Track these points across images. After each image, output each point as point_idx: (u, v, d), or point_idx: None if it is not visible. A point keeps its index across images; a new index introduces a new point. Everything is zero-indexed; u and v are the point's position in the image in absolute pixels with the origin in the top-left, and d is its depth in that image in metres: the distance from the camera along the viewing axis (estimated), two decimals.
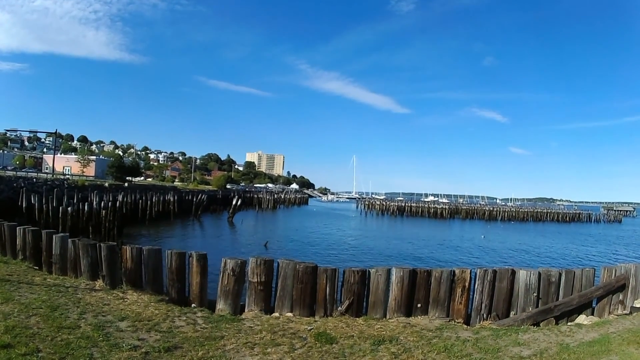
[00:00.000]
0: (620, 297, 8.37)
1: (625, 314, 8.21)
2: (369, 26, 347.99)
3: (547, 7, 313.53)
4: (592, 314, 8.05)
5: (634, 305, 8.47)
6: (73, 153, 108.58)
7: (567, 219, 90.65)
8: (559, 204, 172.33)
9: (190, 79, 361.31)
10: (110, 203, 29.35)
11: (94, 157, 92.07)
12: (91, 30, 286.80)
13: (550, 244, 41.80)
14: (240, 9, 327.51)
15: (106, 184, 48.83)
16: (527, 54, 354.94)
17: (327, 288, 6.86)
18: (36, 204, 25.98)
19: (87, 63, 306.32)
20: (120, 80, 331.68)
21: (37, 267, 8.71)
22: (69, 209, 26.22)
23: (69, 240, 8.11)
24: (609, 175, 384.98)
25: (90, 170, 74.07)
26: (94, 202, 28.55)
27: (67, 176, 57.65)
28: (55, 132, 76.19)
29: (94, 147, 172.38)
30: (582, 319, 7.79)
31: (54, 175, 54.64)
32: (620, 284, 8.24)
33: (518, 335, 6.39)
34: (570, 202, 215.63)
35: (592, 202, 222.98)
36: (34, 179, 42.40)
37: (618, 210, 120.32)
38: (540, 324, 7.31)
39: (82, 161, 73.81)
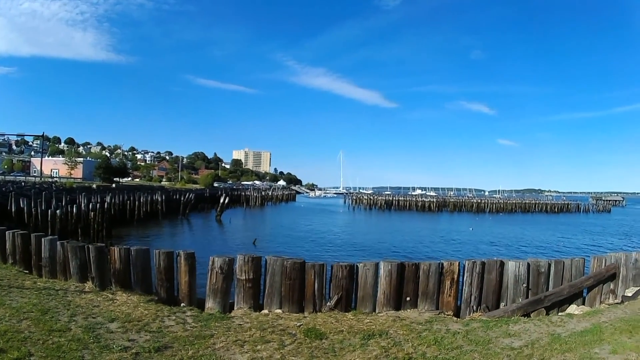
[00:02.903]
0: (611, 287, 8.41)
1: (617, 303, 8.25)
2: (356, 22, 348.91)
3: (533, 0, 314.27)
4: (583, 304, 8.08)
5: (625, 294, 8.51)
6: (60, 155, 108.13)
7: (556, 209, 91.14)
8: (547, 195, 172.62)
9: (178, 77, 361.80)
10: (98, 204, 29.31)
11: (81, 159, 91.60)
12: (79, 32, 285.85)
13: (539, 234, 41.82)
14: (228, 7, 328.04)
15: (94, 186, 48.88)
16: (514, 47, 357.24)
17: (316, 283, 6.85)
18: (25, 208, 25.80)
19: (75, 65, 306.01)
20: (108, 81, 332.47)
21: (27, 271, 8.63)
22: (58, 211, 26.12)
23: (58, 242, 8.05)
24: (598, 165, 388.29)
25: (78, 172, 74.02)
26: (82, 204, 28.46)
27: (55, 179, 57.58)
28: (43, 135, 75.92)
29: (81, 149, 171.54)
30: (573, 308, 7.81)
31: (42, 179, 54.64)
32: (610, 273, 8.28)
33: (508, 327, 6.40)
34: (559, 192, 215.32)
35: (580, 193, 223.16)
36: (23, 183, 42.27)
37: (607, 200, 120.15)
38: (531, 315, 7.30)
39: (69, 163, 73.42)
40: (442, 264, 7.28)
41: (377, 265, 7.06)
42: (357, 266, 7.09)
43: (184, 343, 5.24)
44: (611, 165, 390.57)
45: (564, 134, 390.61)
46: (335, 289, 6.90)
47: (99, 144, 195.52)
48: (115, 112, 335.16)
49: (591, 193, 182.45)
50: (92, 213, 28.31)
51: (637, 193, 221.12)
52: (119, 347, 4.90)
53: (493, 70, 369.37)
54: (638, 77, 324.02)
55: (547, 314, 7.45)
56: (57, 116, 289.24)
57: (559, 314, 7.51)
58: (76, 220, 27.01)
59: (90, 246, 7.50)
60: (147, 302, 6.82)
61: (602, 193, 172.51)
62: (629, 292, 8.61)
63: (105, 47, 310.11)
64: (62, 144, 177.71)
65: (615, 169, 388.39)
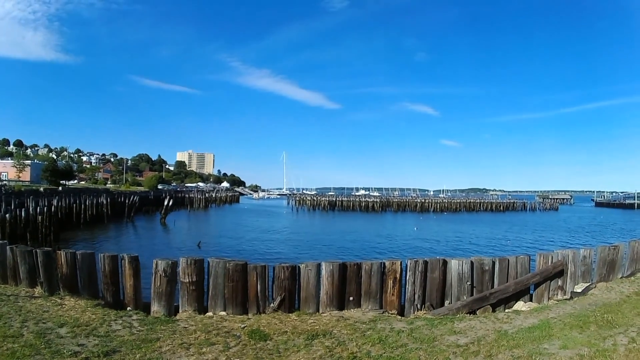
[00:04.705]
0: (560, 283, 8.66)
1: (566, 299, 8.48)
2: (302, 23, 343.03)
3: (478, 2, 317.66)
4: (531, 301, 8.30)
5: (574, 290, 8.77)
6: (9, 158, 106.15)
7: (502, 208, 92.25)
8: (492, 194, 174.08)
9: (123, 78, 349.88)
10: (45, 208, 29.04)
11: (29, 161, 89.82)
12: (30, 31, 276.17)
13: (484, 233, 42.27)
14: (175, 7, 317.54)
15: (41, 189, 48.31)
16: (459, 49, 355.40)
17: (258, 285, 6.88)
18: None
19: (25, 65, 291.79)
20: (56, 82, 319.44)
21: None
22: (7, 215, 25.61)
23: (8, 247, 7.91)
24: (545, 165, 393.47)
25: (26, 175, 73.32)
26: (30, 208, 28.17)
27: (4, 182, 56.84)
28: None
29: (29, 151, 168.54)
30: (520, 305, 8.01)
31: None
32: (558, 270, 8.52)
33: (454, 324, 6.48)
34: (504, 191, 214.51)
35: (527, 192, 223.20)
36: None
37: (554, 199, 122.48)
38: (477, 312, 7.47)
39: (18, 166, 72.33)
40: (384, 264, 7.38)
41: (319, 266, 7.13)
42: (299, 267, 7.15)
43: (132, 347, 5.26)
44: (559, 164, 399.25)
45: (509, 134, 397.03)
46: (278, 290, 6.96)
47: (46, 145, 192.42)
48: (62, 113, 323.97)
49: (538, 192, 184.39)
50: (40, 217, 28.02)
51: (586, 191, 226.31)
52: (69, 352, 4.91)
53: (437, 72, 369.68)
54: (583, 79, 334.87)
55: (494, 311, 7.62)
56: (6, 118, 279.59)
57: (506, 310, 7.68)
58: (25, 224, 26.67)
59: (38, 250, 7.39)
60: (94, 306, 6.78)
61: (549, 192, 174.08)
62: (579, 288, 8.87)
63: (55, 47, 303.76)
64: (11, 145, 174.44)
65: (564, 168, 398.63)
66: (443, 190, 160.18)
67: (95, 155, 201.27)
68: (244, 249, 28.45)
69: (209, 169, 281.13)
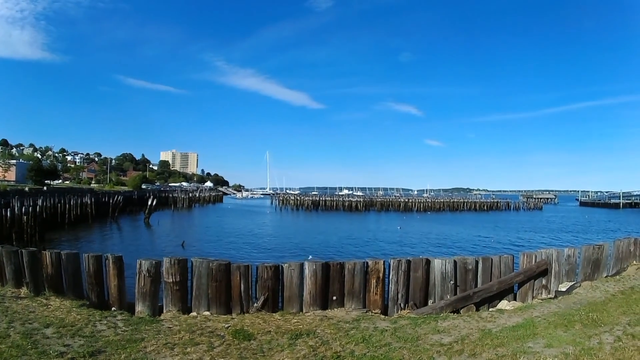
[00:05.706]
0: (544, 282, 8.76)
1: (550, 298, 8.57)
2: (287, 23, 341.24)
3: (463, 2, 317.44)
4: (515, 300, 8.38)
5: (558, 290, 8.87)
6: None
7: (485, 207, 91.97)
8: (475, 194, 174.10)
9: (108, 77, 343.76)
10: (30, 208, 29.02)
11: (14, 161, 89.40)
12: (17, 30, 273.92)
13: (467, 232, 42.32)
14: (161, 5, 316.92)
15: (26, 189, 48.28)
16: (444, 49, 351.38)
17: (242, 285, 6.92)
18: None
19: (11, 64, 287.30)
20: (42, 81, 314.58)
21: None
22: None
23: None
24: (530, 164, 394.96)
25: (11, 175, 72.70)
26: (16, 208, 28.10)
27: None
28: None
29: (14, 150, 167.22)
30: (504, 304, 8.10)
31: None
32: (541, 269, 8.62)
33: (437, 323, 6.53)
34: (488, 191, 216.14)
35: (511, 191, 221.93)
36: None
37: (538, 198, 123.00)
38: (460, 311, 7.54)
39: (3, 166, 71.89)
40: (367, 263, 7.44)
41: (302, 266, 7.18)
42: (282, 267, 7.20)
43: (117, 347, 5.29)
44: (544, 164, 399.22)
45: (493, 134, 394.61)
46: (262, 290, 7.00)
47: (31, 145, 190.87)
48: (47, 112, 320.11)
49: (522, 191, 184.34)
50: (25, 217, 28.02)
51: (570, 191, 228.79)
52: (56, 353, 4.95)
53: (422, 72, 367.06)
54: (568, 79, 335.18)
55: (477, 310, 7.69)
56: None
57: (490, 309, 7.74)
58: (10, 224, 26.67)
59: (23, 250, 7.38)
60: (79, 306, 6.78)
61: (533, 191, 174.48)
62: (563, 287, 8.97)
63: (41, 46, 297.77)
64: None
65: (548, 167, 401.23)
66: (427, 190, 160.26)
67: (79, 155, 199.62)
68: (228, 248, 28.47)
69: (192, 169, 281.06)
